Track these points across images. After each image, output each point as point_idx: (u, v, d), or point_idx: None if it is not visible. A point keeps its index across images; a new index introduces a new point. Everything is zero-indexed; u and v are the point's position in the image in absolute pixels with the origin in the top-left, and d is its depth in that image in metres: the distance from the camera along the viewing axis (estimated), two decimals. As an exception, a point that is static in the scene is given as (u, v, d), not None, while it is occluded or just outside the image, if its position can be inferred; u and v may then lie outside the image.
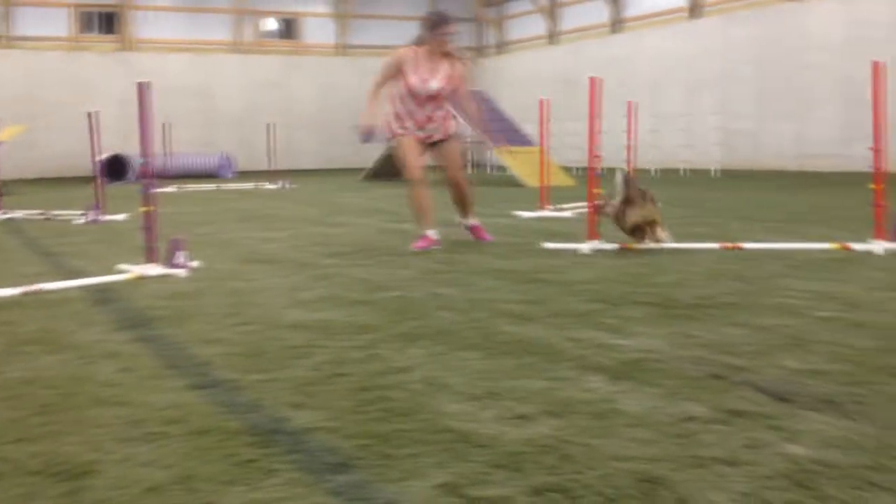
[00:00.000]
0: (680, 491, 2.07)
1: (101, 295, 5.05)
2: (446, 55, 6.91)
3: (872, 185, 6.22)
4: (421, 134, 6.96)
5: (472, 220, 7.38)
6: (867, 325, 3.76)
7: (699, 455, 2.30)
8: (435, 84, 6.83)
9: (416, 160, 6.95)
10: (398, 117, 6.93)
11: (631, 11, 24.82)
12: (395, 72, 6.87)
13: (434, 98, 6.87)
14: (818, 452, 2.29)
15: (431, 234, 6.93)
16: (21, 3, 25.51)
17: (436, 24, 6.92)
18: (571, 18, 27.00)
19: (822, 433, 2.43)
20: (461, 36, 31.32)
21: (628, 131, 11.24)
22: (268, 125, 20.67)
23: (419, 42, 6.97)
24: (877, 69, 6.32)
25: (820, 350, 3.35)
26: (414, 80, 6.81)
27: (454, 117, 7.17)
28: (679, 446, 2.37)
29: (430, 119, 6.93)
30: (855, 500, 1.99)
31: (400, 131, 6.94)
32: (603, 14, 25.58)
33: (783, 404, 2.70)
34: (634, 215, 6.46)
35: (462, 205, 7.30)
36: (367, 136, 6.97)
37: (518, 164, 16.62)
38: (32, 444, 2.50)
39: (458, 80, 6.94)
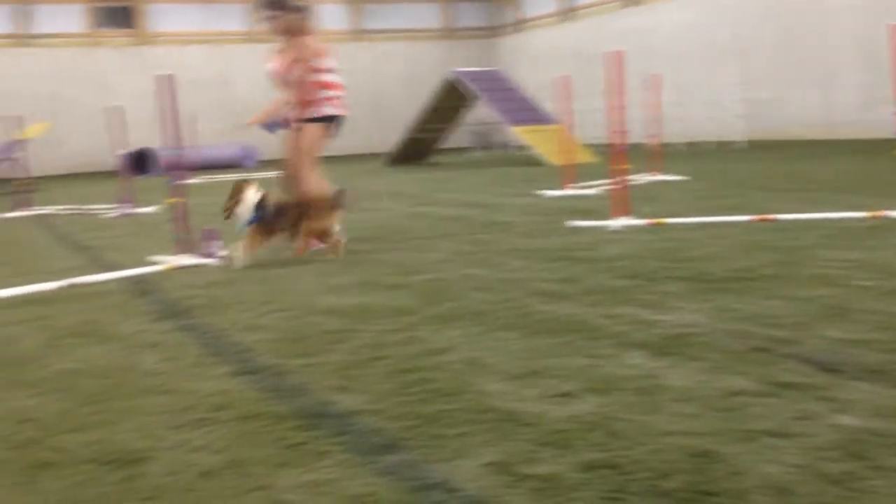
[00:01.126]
0: (733, 464, 2.07)
1: (138, 286, 5.10)
2: (295, 38, 6.26)
3: (904, 152, 6.15)
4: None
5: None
6: (908, 293, 3.73)
7: (750, 428, 2.29)
8: (271, 66, 6.42)
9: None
10: None
11: (648, -16, 24.57)
12: None
13: (278, 82, 6.42)
14: (869, 422, 2.28)
15: None
16: (36, 0, 25.63)
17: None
18: (589, -7, 26.77)
19: (872, 402, 2.42)
20: (478, 14, 31.18)
21: (652, 105, 11.15)
22: (288, 113, 20.69)
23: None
24: (895, 33, 6.23)
25: (863, 319, 3.33)
26: (268, 64, 6.46)
27: (324, 102, 6.35)
28: (728, 420, 2.36)
29: (287, 104, 6.45)
30: (910, 468, 1.98)
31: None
32: (621, -12, 25.35)
33: (830, 375, 2.68)
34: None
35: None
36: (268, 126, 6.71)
37: (539, 142, 16.54)
38: (85, 433, 2.54)
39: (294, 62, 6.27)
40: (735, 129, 19.34)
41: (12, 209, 11.54)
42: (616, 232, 6.28)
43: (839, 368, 2.73)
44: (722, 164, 13.20)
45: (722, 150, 17.48)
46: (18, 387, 3.07)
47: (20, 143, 12.14)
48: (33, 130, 17.18)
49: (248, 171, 20.55)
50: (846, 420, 2.30)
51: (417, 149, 19.63)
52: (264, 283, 4.96)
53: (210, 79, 27.34)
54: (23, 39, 25.49)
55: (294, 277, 5.09)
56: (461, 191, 11.06)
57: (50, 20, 25.95)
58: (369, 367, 3.09)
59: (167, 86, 5.99)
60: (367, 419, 2.53)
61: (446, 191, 11.16)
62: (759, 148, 17.49)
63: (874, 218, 6.03)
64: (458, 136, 24.61)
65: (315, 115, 6.32)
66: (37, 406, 2.83)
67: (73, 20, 26.26)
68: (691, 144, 19.77)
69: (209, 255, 5.75)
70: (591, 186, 10.06)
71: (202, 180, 17.12)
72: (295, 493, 2.06)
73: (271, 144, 27.81)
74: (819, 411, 2.38)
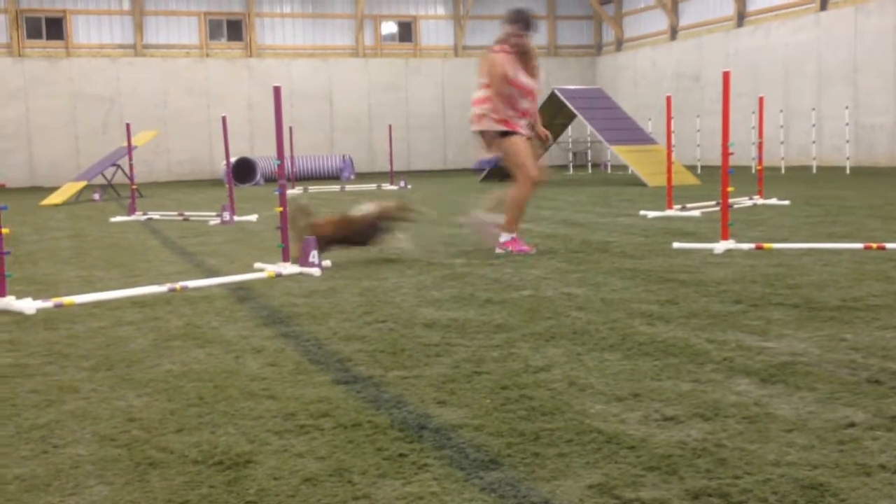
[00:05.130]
0: (847, 498, 1.99)
1: (241, 292, 5.21)
2: (526, 53, 6.80)
3: None
4: (524, 132, 6.84)
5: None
6: None
7: (864, 462, 2.20)
8: (527, 81, 6.75)
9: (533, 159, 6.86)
10: (507, 116, 6.75)
11: (757, 4, 24.07)
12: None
13: (529, 94, 6.78)
14: None
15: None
16: (153, 12, 26.61)
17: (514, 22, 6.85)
18: (693, 13, 26.40)
19: None
20: (581, 32, 31.06)
21: (759, 128, 10.90)
22: (388, 127, 20.95)
23: (506, 40, 6.83)
24: None
25: None
26: (522, 78, 6.69)
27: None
28: (842, 453, 2.27)
29: (524, 114, 6.80)
30: None
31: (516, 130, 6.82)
32: (727, 7, 24.91)
33: (951, 411, 2.56)
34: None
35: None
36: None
37: (639, 162, 16.35)
38: (191, 434, 2.59)
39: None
40: (841, 153, 18.75)
41: (120, 214, 11.95)
42: (720, 255, 6.14)
43: (962, 406, 2.61)
44: (828, 190, 12.80)
45: (827, 175, 16.96)
46: (126, 387, 3.17)
47: (127, 150, 12.58)
48: (142, 138, 17.78)
49: (346, 183, 20.85)
50: (971, 460, 2.19)
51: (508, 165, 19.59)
52: (363, 294, 5.01)
53: (314, 91, 27.87)
54: (136, 49, 26.45)
55: (392, 290, 5.12)
56: (560, 209, 11.00)
57: (164, 31, 26.87)
58: (468, 381, 3.08)
59: (275, 97, 6.11)
60: (467, 434, 2.52)
61: (545, 208, 11.11)
62: (867, 174, 16.91)
63: None
64: (557, 155, 24.56)
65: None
66: (144, 406, 2.91)
67: (185, 32, 27.14)
68: (794, 168, 19.25)
69: (310, 265, 5.84)
70: (693, 208, 9.87)
71: (302, 190, 17.44)
72: (395, 504, 2.06)
73: (367, 158, 28.04)
74: (941, 449, 2.27)
